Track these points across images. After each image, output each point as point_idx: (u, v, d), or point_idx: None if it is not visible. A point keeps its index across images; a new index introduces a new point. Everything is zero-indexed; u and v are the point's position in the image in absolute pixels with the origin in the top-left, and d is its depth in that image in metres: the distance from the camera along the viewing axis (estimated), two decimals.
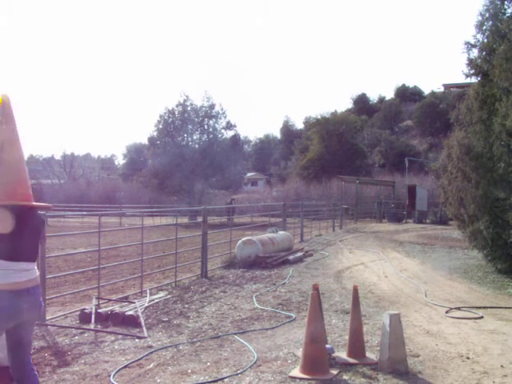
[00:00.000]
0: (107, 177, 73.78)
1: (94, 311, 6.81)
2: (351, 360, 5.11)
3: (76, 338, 6.07)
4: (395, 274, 11.22)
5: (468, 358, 5.22)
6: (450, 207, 12.57)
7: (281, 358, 5.25)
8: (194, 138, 40.22)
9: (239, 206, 32.68)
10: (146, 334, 6.14)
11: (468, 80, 12.31)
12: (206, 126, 39.89)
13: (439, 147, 46.15)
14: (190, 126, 39.57)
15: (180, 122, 39.26)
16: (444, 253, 15.43)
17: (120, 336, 6.09)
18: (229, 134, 42.45)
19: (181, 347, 5.69)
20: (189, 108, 39.53)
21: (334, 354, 5.19)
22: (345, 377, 4.74)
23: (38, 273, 3.52)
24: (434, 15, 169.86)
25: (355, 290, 5.45)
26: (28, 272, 3.36)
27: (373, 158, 59.55)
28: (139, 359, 5.25)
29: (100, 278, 8.00)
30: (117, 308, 7.12)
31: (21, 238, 3.30)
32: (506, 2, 10.94)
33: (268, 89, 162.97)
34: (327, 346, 5.09)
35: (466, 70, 11.41)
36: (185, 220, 30.13)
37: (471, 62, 11.22)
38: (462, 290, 9.36)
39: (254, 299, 8.31)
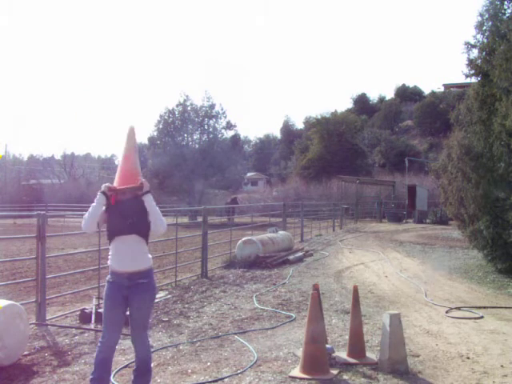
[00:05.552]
0: (107, 177, 73.68)
1: (94, 311, 6.81)
2: (351, 360, 5.11)
3: (76, 337, 6.07)
4: (395, 273, 11.22)
5: (468, 358, 5.22)
6: (450, 207, 12.57)
7: (281, 358, 5.25)
8: (194, 137, 40.24)
9: (239, 206, 32.64)
10: None
11: (468, 80, 12.32)
12: (206, 126, 39.90)
13: (439, 147, 46.16)
14: (190, 126, 39.57)
15: (180, 122, 39.26)
16: (444, 253, 15.43)
17: (120, 336, 6.07)
18: (229, 133, 42.50)
19: (181, 347, 5.70)
20: (189, 108, 39.55)
21: (334, 354, 5.18)
22: (345, 377, 4.74)
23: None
24: (434, 15, 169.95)
25: (355, 289, 5.44)
26: None
27: (373, 157, 59.55)
28: None
29: (100, 278, 7.95)
30: None
31: None
32: (505, 2, 10.95)
33: (268, 89, 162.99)
34: (327, 345, 5.08)
35: (466, 70, 11.42)
36: (185, 220, 30.09)
37: (471, 62, 11.22)
38: (462, 289, 9.36)
39: (254, 299, 8.31)
